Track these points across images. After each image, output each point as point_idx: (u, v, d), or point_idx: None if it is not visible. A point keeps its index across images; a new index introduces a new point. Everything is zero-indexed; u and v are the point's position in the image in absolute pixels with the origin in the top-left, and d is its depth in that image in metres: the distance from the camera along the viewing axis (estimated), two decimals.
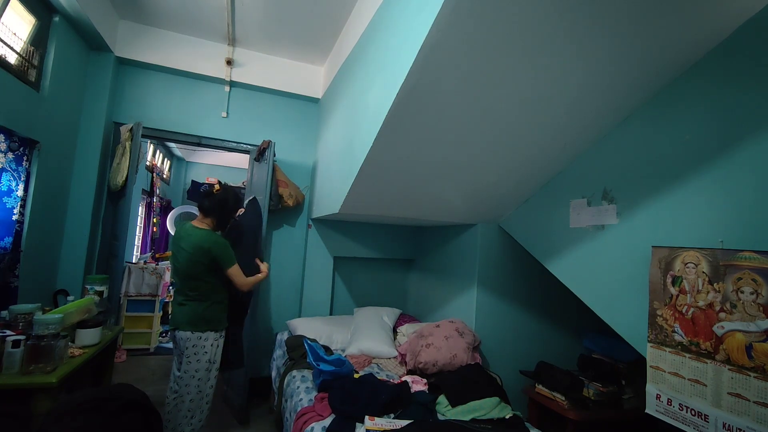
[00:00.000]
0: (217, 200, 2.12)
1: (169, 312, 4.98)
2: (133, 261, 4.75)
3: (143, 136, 2.97)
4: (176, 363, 2.13)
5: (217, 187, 2.16)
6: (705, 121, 1.51)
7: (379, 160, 1.99)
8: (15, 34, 2.15)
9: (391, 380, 2.18)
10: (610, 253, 1.85)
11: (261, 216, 2.79)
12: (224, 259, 2.03)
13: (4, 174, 2.09)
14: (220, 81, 3.23)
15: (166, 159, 6.02)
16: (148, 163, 4.98)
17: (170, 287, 4.89)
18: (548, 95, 1.69)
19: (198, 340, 2.02)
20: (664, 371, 1.46)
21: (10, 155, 2.12)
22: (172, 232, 5.79)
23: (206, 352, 2.03)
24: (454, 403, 1.90)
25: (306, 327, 2.83)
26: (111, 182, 2.87)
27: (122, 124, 2.97)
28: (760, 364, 1.19)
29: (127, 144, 2.85)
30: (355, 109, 2.26)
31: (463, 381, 2.04)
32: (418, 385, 2.08)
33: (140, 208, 5.34)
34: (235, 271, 2.06)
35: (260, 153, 3.08)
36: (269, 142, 2.97)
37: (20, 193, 2.20)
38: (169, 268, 4.72)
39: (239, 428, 2.67)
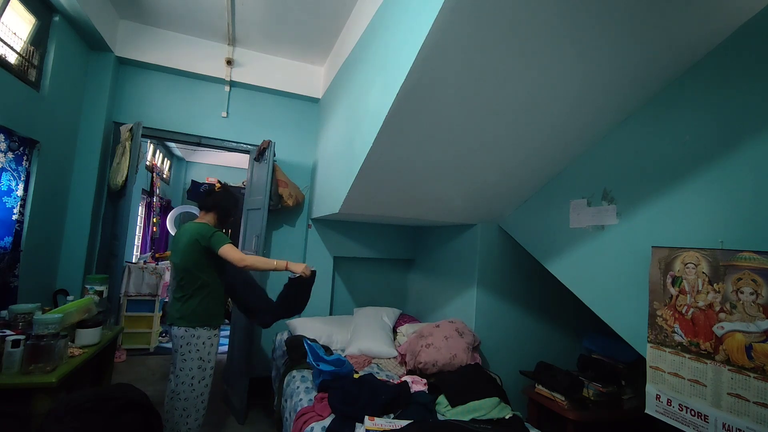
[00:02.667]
0: (217, 198, 2.19)
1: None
2: (133, 261, 4.75)
3: (143, 135, 2.97)
4: (172, 361, 2.14)
5: (218, 185, 2.23)
6: (704, 121, 1.51)
7: (380, 160, 1.99)
8: (15, 33, 2.15)
9: (391, 380, 2.18)
10: (610, 254, 1.85)
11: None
12: (215, 241, 2.02)
13: (4, 174, 2.09)
14: (220, 81, 3.23)
15: (166, 159, 6.02)
16: (148, 163, 4.97)
17: (170, 287, 4.89)
18: (548, 95, 1.69)
19: (191, 338, 2.02)
20: (664, 371, 1.46)
21: (10, 155, 2.12)
22: (172, 232, 5.79)
23: (198, 350, 2.03)
24: (453, 404, 1.90)
25: (306, 327, 2.83)
26: (111, 182, 2.87)
27: (122, 123, 2.97)
28: (759, 364, 1.19)
29: (127, 144, 2.85)
30: (356, 109, 2.26)
31: (462, 381, 2.04)
32: (417, 385, 2.08)
33: (140, 208, 5.34)
34: (227, 249, 2.02)
35: (260, 153, 3.08)
36: (269, 142, 2.97)
37: (20, 192, 2.20)
38: (169, 267, 4.72)
39: (239, 428, 2.67)
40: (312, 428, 1.67)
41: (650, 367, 1.51)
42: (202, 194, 2.22)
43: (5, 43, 2.07)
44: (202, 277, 2.05)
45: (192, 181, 6.26)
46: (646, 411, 1.51)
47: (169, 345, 4.36)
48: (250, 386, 2.85)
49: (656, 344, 1.49)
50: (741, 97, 1.41)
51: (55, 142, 2.53)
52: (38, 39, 2.33)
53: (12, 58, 2.14)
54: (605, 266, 1.86)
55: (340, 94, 2.75)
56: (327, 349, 2.53)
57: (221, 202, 2.19)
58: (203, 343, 2.05)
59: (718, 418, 1.28)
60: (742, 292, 1.25)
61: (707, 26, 1.43)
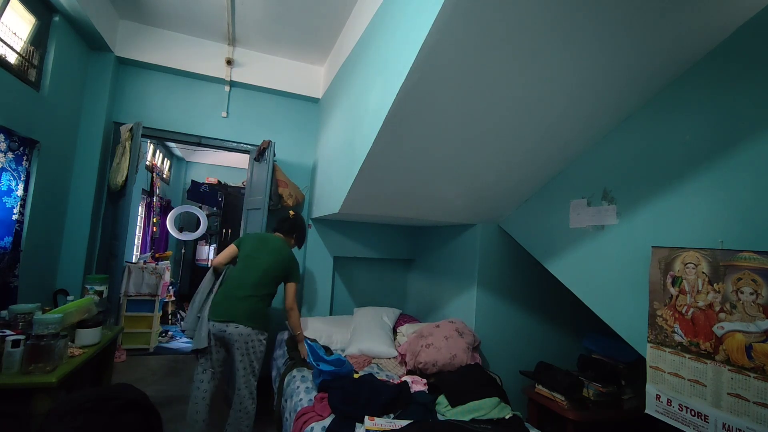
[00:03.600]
0: (294, 223, 2.56)
1: (177, 310, 4.97)
2: (133, 261, 4.75)
3: (143, 135, 2.97)
4: (210, 360, 2.16)
5: (291, 213, 2.59)
6: (705, 121, 1.51)
7: (380, 160, 1.99)
8: (15, 33, 2.15)
9: (391, 380, 2.18)
10: (610, 254, 1.84)
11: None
12: (295, 274, 2.35)
13: (4, 174, 2.09)
14: (220, 81, 3.23)
15: (166, 159, 6.02)
16: (148, 163, 4.97)
17: (170, 287, 4.89)
18: (547, 95, 1.69)
19: (257, 335, 2.14)
20: (664, 371, 1.46)
21: (10, 155, 2.12)
22: (171, 231, 5.78)
23: (255, 351, 2.14)
24: (453, 403, 1.90)
25: (306, 327, 2.82)
26: (111, 182, 2.87)
27: (122, 123, 2.97)
28: (759, 364, 1.19)
29: (127, 144, 2.85)
30: (355, 109, 2.26)
31: (462, 381, 2.04)
32: (417, 385, 2.08)
33: (140, 207, 5.34)
34: (292, 288, 2.33)
35: (260, 153, 3.08)
36: (269, 142, 2.97)
37: (20, 192, 2.20)
38: (169, 267, 4.71)
39: None
40: (312, 428, 1.67)
41: (650, 367, 1.51)
42: (278, 219, 2.58)
43: (5, 43, 2.07)
44: (273, 289, 2.28)
45: (192, 181, 6.26)
46: (646, 411, 1.51)
47: (169, 345, 4.36)
48: None
49: (656, 344, 1.49)
50: (742, 96, 1.41)
51: (55, 142, 2.53)
52: (38, 39, 2.33)
53: (12, 58, 2.14)
54: (605, 266, 1.86)
55: (340, 94, 2.75)
56: (327, 349, 2.53)
57: (298, 228, 2.55)
58: (261, 345, 2.18)
59: (718, 418, 1.28)
60: (742, 292, 1.25)
61: (707, 27, 1.43)
